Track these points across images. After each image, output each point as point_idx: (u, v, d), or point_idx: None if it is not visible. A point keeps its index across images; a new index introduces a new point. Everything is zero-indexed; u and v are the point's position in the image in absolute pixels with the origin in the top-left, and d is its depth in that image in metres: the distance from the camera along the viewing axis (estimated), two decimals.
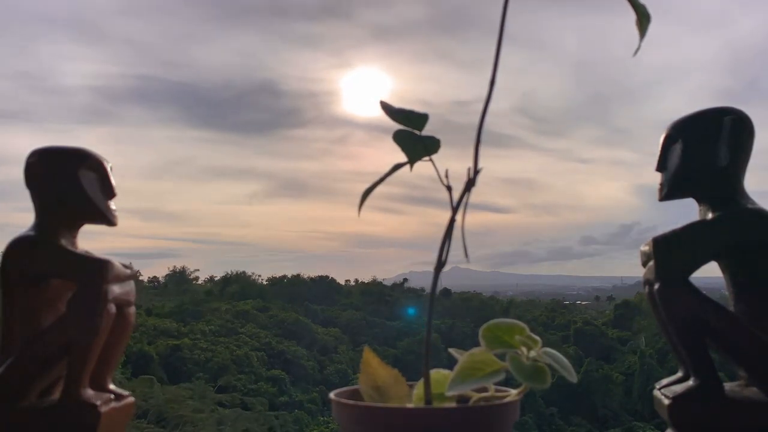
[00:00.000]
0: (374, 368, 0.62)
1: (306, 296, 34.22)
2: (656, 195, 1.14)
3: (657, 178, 1.14)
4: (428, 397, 0.59)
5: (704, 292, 1.02)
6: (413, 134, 0.63)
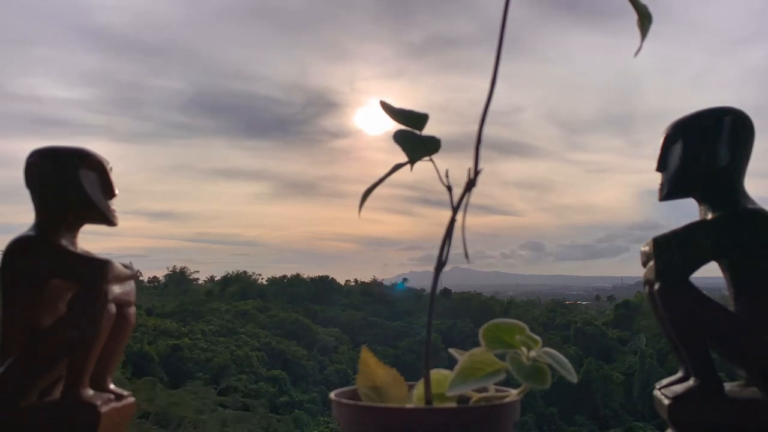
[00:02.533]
0: (372, 368, 0.62)
1: (306, 296, 34.22)
2: (657, 195, 1.14)
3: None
4: (428, 397, 0.59)
5: (704, 292, 1.02)
6: (414, 134, 0.63)
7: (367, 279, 40.17)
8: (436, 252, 0.61)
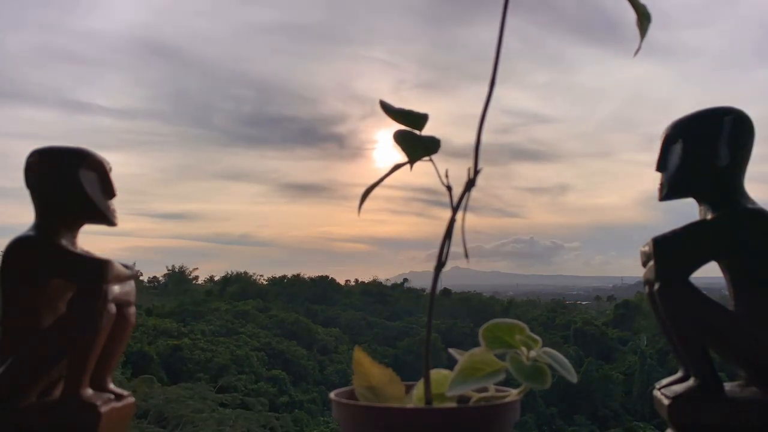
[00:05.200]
0: (367, 368, 0.62)
1: (306, 296, 34.20)
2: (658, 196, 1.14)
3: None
4: (428, 397, 0.59)
5: (704, 292, 1.02)
6: (413, 134, 0.63)
7: (366, 279, 40.19)
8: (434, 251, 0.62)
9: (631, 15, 0.59)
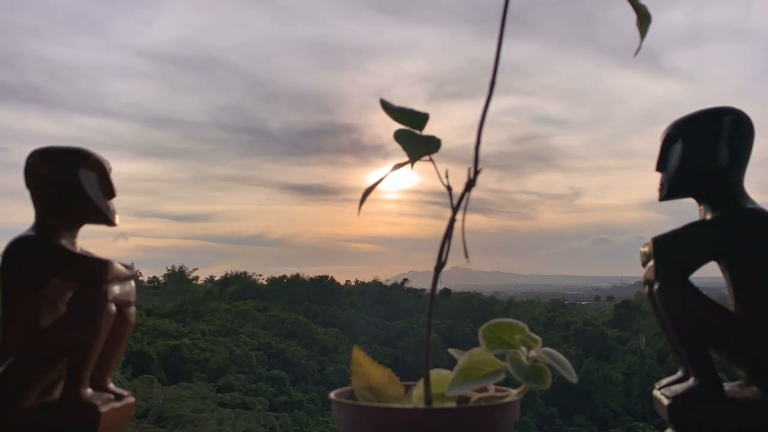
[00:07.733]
0: (366, 368, 0.62)
1: (306, 296, 34.19)
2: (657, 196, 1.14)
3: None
4: (428, 397, 0.59)
5: (704, 292, 1.02)
6: (414, 134, 0.63)
7: (366, 279, 40.13)
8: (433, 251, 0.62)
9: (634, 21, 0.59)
